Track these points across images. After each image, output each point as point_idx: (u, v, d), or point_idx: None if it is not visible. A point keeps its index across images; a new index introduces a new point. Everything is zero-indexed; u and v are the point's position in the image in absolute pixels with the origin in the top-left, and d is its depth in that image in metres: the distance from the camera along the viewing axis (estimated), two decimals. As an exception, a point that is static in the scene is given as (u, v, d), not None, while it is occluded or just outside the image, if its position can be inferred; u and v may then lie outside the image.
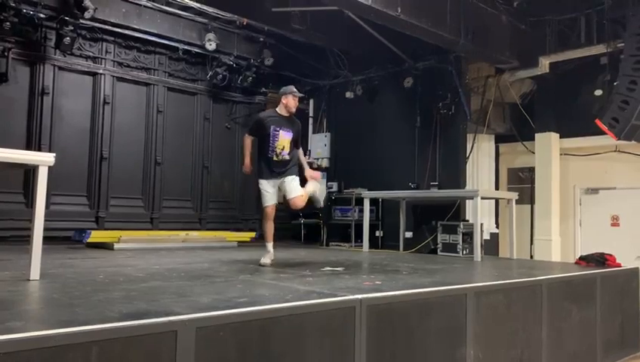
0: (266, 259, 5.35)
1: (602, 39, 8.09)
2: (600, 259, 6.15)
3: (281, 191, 5.49)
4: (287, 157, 5.41)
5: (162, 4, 9.16)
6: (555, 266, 6.82)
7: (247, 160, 5.63)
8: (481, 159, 9.89)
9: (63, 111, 8.67)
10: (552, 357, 4.57)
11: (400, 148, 9.60)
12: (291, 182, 5.39)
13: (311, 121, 11.30)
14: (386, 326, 3.29)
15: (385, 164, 9.62)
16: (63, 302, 3.08)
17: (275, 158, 5.36)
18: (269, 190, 5.39)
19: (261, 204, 5.51)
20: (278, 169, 5.40)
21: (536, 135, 9.38)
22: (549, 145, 9.24)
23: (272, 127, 5.35)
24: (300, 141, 5.69)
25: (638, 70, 6.82)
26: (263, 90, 10.89)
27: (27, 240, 3.74)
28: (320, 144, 10.90)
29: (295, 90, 5.53)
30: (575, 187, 9.69)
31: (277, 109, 5.50)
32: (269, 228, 5.42)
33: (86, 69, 8.92)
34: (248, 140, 5.64)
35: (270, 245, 5.45)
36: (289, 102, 5.42)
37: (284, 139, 5.38)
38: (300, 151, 5.74)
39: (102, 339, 2.16)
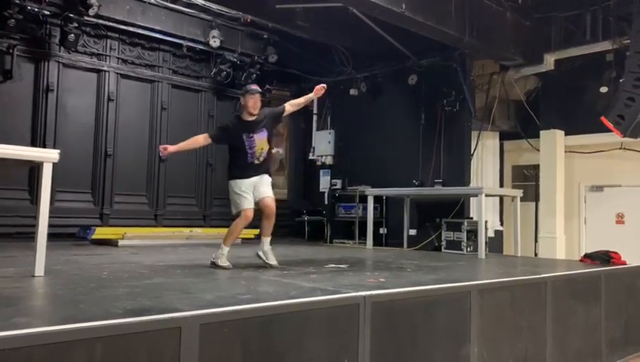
0: (226, 262, 4.81)
1: (608, 36, 8.06)
2: (605, 257, 6.12)
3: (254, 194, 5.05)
4: (266, 155, 5.13)
5: (166, 1, 9.16)
6: (559, 264, 6.81)
7: (176, 148, 5.04)
8: (486, 156, 9.87)
9: (67, 108, 8.68)
10: (556, 355, 4.55)
11: (404, 146, 9.58)
12: (267, 184, 5.07)
13: (315, 118, 11.28)
14: (390, 323, 3.29)
15: (389, 161, 9.60)
16: (68, 298, 3.09)
17: (256, 162, 5.04)
18: (247, 191, 4.94)
19: (231, 210, 4.97)
20: (258, 170, 5.07)
21: (541, 132, 9.35)
22: (553, 143, 9.21)
23: (244, 136, 4.96)
24: (278, 118, 5.40)
25: (644, 67, 6.80)
26: (267, 87, 10.85)
27: (32, 236, 3.75)
28: (324, 141, 10.88)
29: (250, 88, 5.14)
30: (580, 184, 9.66)
31: (242, 116, 5.12)
32: (240, 231, 4.99)
33: (90, 66, 8.93)
34: (202, 138, 5.19)
35: (228, 249, 4.89)
36: (247, 102, 5.05)
37: (260, 140, 5.06)
38: (292, 101, 5.46)
39: (106, 336, 2.17)
